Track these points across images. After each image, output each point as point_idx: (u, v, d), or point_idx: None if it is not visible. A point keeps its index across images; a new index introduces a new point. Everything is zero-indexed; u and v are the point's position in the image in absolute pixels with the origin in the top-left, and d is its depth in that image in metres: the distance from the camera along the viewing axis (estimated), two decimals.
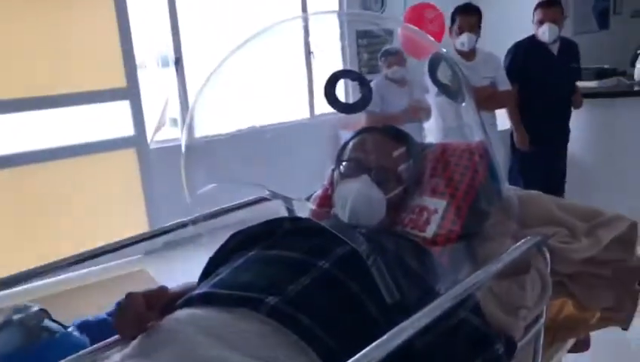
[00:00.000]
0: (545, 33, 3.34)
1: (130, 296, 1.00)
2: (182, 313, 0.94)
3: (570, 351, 1.47)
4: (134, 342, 0.94)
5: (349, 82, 1.56)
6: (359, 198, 1.17)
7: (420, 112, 3.39)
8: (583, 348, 1.52)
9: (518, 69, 3.39)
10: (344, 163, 1.26)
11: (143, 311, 0.97)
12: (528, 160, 3.51)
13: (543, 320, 1.17)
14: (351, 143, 1.30)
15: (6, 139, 3.47)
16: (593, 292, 1.30)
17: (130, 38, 3.82)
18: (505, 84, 3.36)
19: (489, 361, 0.96)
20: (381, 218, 1.19)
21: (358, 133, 1.31)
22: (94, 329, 1.51)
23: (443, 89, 1.22)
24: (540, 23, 3.35)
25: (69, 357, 1.06)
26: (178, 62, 4.24)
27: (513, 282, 1.11)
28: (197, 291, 0.99)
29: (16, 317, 1.29)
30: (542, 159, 3.50)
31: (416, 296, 0.97)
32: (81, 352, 1.10)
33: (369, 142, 1.27)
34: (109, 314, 1.65)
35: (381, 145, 1.25)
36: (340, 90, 1.47)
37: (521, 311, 1.08)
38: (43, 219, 3.60)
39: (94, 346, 1.11)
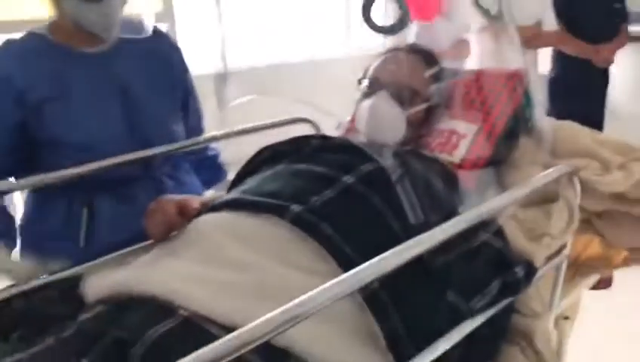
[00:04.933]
0: None
1: (160, 200, 1.03)
2: (209, 216, 0.97)
3: (591, 288, 1.46)
4: (161, 243, 0.98)
5: (389, 7, 1.52)
6: (374, 112, 1.16)
7: (467, 49, 3.29)
8: (605, 285, 1.52)
9: (559, 11, 3.23)
10: (365, 82, 1.25)
11: (173, 216, 1.00)
12: (566, 112, 3.38)
13: (566, 252, 1.16)
14: (374, 64, 1.28)
15: None
16: (621, 230, 1.28)
17: None
18: (551, 24, 3.21)
19: (508, 284, 0.96)
20: (401, 134, 1.18)
21: (381, 54, 1.29)
22: None
23: (483, 12, 1.18)
24: None
25: (95, 261, 1.10)
26: None
27: (539, 210, 1.10)
28: (224, 197, 1.02)
29: None
30: (580, 111, 3.35)
31: (439, 217, 0.97)
32: (110, 255, 1.13)
33: (390, 60, 1.25)
34: None
35: (401, 63, 1.22)
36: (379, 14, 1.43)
37: (544, 239, 1.07)
38: None
39: (123, 250, 1.15)
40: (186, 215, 1.03)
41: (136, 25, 1.30)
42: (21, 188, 1.13)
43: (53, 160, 1.20)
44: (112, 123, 1.27)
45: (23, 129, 1.22)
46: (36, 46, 1.24)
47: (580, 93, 3.35)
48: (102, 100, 1.26)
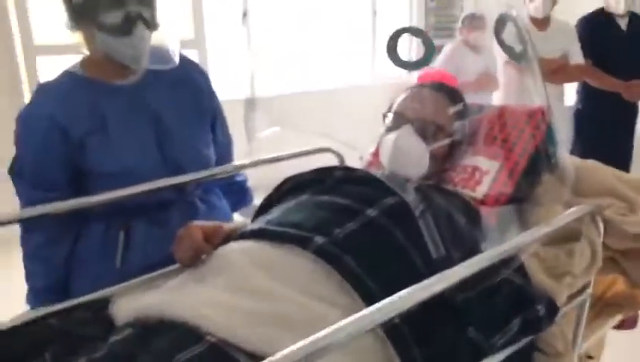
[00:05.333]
0: (620, 2, 3.15)
1: (189, 226, 1.07)
2: (235, 245, 0.99)
3: (615, 328, 1.44)
4: (189, 269, 1.01)
5: (413, 43, 1.55)
6: (398, 146, 1.19)
7: (492, 82, 3.31)
8: (630, 325, 1.50)
9: (586, 45, 3.21)
10: (389, 116, 1.27)
11: (200, 242, 1.03)
12: (592, 144, 3.34)
13: (589, 291, 1.16)
14: (398, 99, 1.30)
15: None
16: None
17: None
18: (578, 58, 3.21)
19: (529, 321, 0.97)
20: (424, 169, 1.19)
21: (406, 90, 1.32)
22: None
23: (507, 50, 1.20)
24: None
25: (125, 284, 1.14)
26: (245, 15, 4.28)
27: (561, 248, 1.11)
28: (249, 227, 1.05)
29: None
30: (606, 144, 3.31)
31: (461, 252, 0.98)
32: (139, 278, 1.17)
33: (415, 95, 1.28)
34: None
35: (426, 98, 1.25)
36: (404, 49, 1.46)
37: (565, 278, 1.07)
38: None
39: (152, 273, 1.18)
40: (213, 242, 1.06)
41: (163, 55, 1.34)
42: (57, 212, 1.18)
43: (96, 189, 1.26)
44: (147, 151, 1.32)
45: (72, 163, 1.28)
46: (71, 84, 1.31)
47: (608, 126, 3.31)
48: (136, 130, 1.32)
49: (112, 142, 1.28)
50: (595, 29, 3.27)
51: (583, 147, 3.38)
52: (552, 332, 1.03)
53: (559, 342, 1.06)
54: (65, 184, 1.28)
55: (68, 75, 1.32)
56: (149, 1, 1.25)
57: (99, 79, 1.31)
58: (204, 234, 1.06)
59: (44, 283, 1.32)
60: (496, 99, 3.02)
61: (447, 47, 3.55)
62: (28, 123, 1.27)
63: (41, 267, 1.32)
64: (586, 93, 3.36)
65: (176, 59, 1.36)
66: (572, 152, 3.40)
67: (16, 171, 1.29)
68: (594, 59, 3.20)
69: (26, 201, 1.28)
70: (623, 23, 3.27)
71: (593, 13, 3.33)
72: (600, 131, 3.32)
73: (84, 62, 1.33)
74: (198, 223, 1.10)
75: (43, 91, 1.31)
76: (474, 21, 3.50)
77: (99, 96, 1.30)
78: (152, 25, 1.27)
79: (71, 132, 1.26)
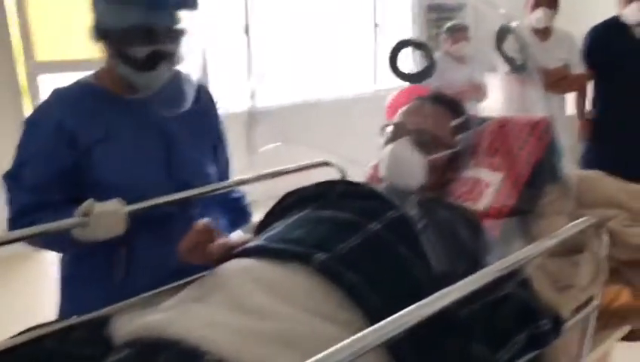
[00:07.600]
0: (635, 12, 3.09)
1: (197, 223, 1.07)
2: (235, 262, 0.98)
3: (623, 339, 1.43)
4: (188, 287, 1.00)
5: (415, 54, 1.56)
6: (394, 157, 1.18)
7: (476, 91, 3.30)
8: (637, 337, 1.48)
9: (597, 56, 3.17)
10: (388, 128, 1.27)
11: (197, 240, 1.05)
12: (605, 153, 3.28)
13: (595, 303, 1.14)
14: (398, 111, 1.30)
15: None
16: None
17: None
18: (580, 67, 3.18)
19: (535, 336, 0.95)
20: (421, 180, 1.19)
21: (407, 102, 1.31)
22: None
23: (508, 61, 1.20)
24: (630, 0, 3.09)
25: (122, 303, 1.11)
26: (247, 29, 4.32)
27: (566, 261, 1.10)
28: (250, 243, 1.04)
29: None
30: (620, 154, 3.25)
31: (464, 266, 0.97)
32: (137, 297, 1.14)
33: (413, 107, 1.27)
34: None
35: (425, 110, 1.24)
36: (406, 62, 1.47)
37: (571, 290, 1.06)
38: None
39: (150, 292, 1.16)
40: (211, 241, 1.06)
41: (180, 97, 1.37)
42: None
43: (99, 200, 1.24)
44: (154, 166, 1.32)
45: (73, 172, 1.27)
46: (82, 91, 1.32)
47: (626, 134, 3.24)
48: (144, 144, 1.32)
49: (118, 154, 1.28)
50: (608, 38, 3.20)
51: (601, 155, 3.31)
52: (557, 346, 1.02)
53: (564, 356, 1.05)
54: (62, 189, 1.27)
55: (79, 84, 1.33)
56: (177, 39, 1.25)
57: (110, 90, 1.32)
58: (208, 232, 1.06)
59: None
60: (498, 110, 3.01)
61: None
62: (35, 125, 1.27)
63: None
64: (603, 101, 3.30)
65: (189, 103, 1.38)
66: (588, 161, 3.33)
67: (12, 175, 1.26)
68: (606, 68, 3.14)
69: (18, 208, 1.25)
70: (638, 32, 3.20)
71: (606, 21, 3.25)
72: (618, 139, 3.25)
73: (98, 73, 1.34)
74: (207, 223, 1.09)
75: (54, 97, 1.31)
76: (456, 32, 3.51)
77: (108, 107, 1.31)
78: (176, 61, 1.27)
79: (79, 138, 1.26)
